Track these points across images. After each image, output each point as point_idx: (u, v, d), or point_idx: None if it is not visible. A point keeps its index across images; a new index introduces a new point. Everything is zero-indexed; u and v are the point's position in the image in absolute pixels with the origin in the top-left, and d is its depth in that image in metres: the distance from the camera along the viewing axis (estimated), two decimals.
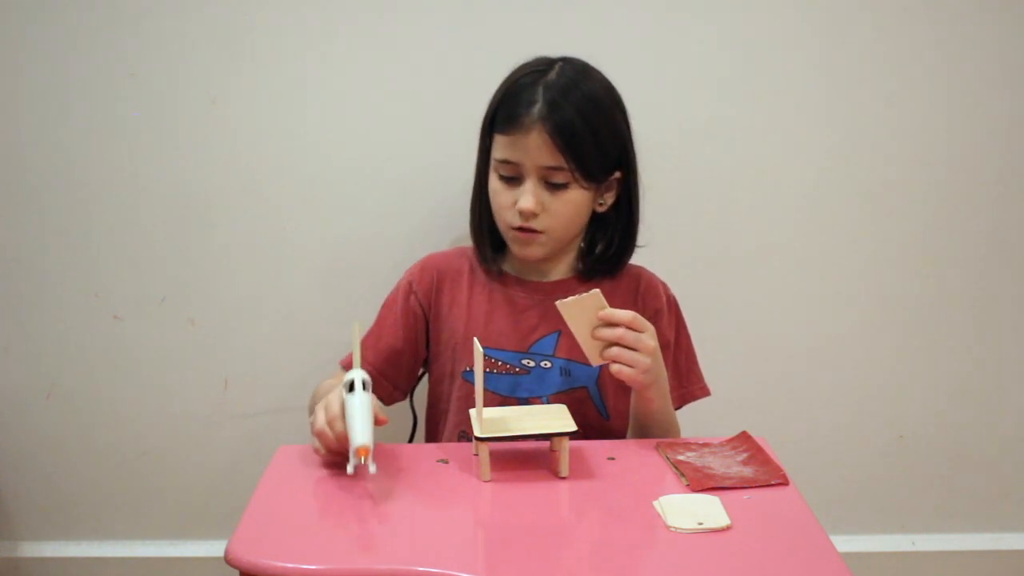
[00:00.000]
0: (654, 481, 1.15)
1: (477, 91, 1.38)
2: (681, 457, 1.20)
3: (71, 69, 1.57)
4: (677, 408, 1.39)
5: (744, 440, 1.24)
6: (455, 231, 1.59)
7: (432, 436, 1.45)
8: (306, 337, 1.66)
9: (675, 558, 1.01)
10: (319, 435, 1.15)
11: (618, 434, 1.38)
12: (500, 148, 1.32)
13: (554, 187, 1.30)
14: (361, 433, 1.07)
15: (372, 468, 1.07)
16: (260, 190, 1.62)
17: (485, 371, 1.34)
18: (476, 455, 1.17)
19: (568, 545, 1.03)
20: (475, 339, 1.16)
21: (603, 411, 1.38)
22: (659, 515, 1.06)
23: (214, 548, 1.71)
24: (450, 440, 1.39)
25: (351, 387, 1.12)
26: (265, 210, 1.63)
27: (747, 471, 1.17)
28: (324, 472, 1.15)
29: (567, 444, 1.15)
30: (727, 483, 1.13)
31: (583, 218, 1.36)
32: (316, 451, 1.17)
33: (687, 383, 1.42)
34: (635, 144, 1.36)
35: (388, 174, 1.62)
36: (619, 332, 1.19)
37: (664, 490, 1.11)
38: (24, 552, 1.76)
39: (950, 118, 1.62)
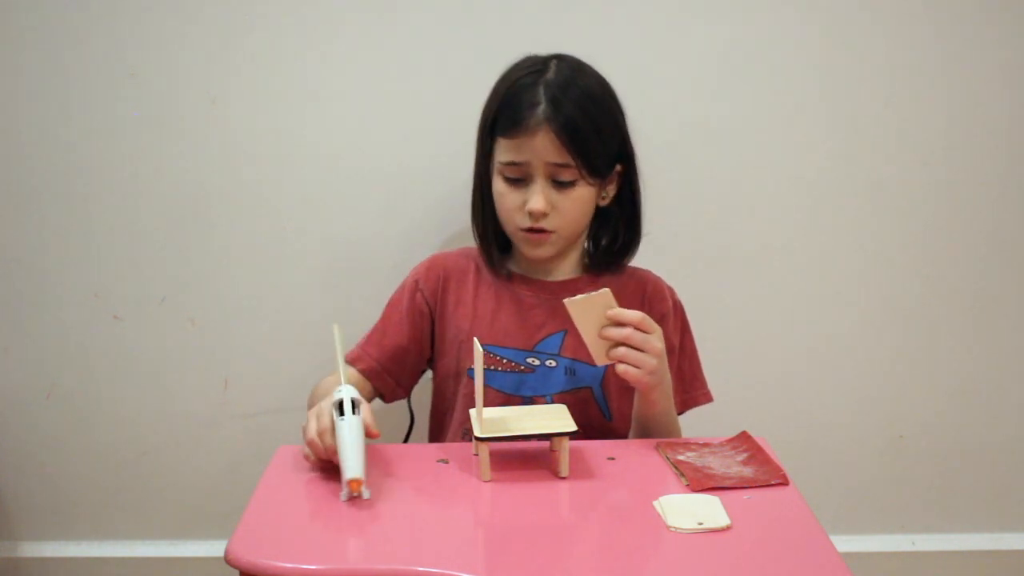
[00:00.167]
0: (654, 481, 1.15)
1: (477, 91, 1.38)
2: (681, 457, 1.20)
3: (71, 69, 1.57)
4: (680, 413, 1.39)
5: (744, 440, 1.24)
6: (455, 231, 1.60)
7: (436, 434, 1.45)
8: (306, 337, 1.66)
9: (675, 558, 1.01)
10: (310, 444, 1.15)
11: (620, 435, 1.38)
12: (505, 151, 1.32)
13: (561, 185, 1.30)
14: (353, 466, 1.07)
15: (366, 495, 1.08)
16: (260, 190, 1.62)
17: (490, 369, 1.35)
18: (476, 455, 1.17)
19: (568, 545, 1.03)
20: (475, 339, 1.16)
21: (606, 412, 1.38)
22: (659, 515, 1.06)
23: (214, 548, 1.71)
24: (454, 438, 1.39)
25: (341, 408, 1.12)
26: (265, 210, 1.63)
27: (747, 471, 1.17)
28: (324, 472, 1.15)
29: (567, 444, 1.15)
30: (727, 483, 1.13)
31: (589, 214, 1.37)
32: (306, 457, 1.17)
33: (690, 388, 1.42)
34: (632, 136, 1.37)
35: (388, 174, 1.62)
36: (627, 332, 1.19)
37: (664, 490, 1.11)
38: (24, 552, 1.76)
39: (950, 118, 1.62)
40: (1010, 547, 1.79)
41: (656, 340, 1.22)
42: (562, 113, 1.27)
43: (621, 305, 1.20)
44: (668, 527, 1.03)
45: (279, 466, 1.19)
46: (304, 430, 1.16)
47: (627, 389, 1.33)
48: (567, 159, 1.28)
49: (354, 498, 1.08)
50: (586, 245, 1.43)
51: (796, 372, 1.72)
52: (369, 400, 1.38)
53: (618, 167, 1.37)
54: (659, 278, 1.43)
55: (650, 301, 1.39)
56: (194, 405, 1.70)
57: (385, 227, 1.63)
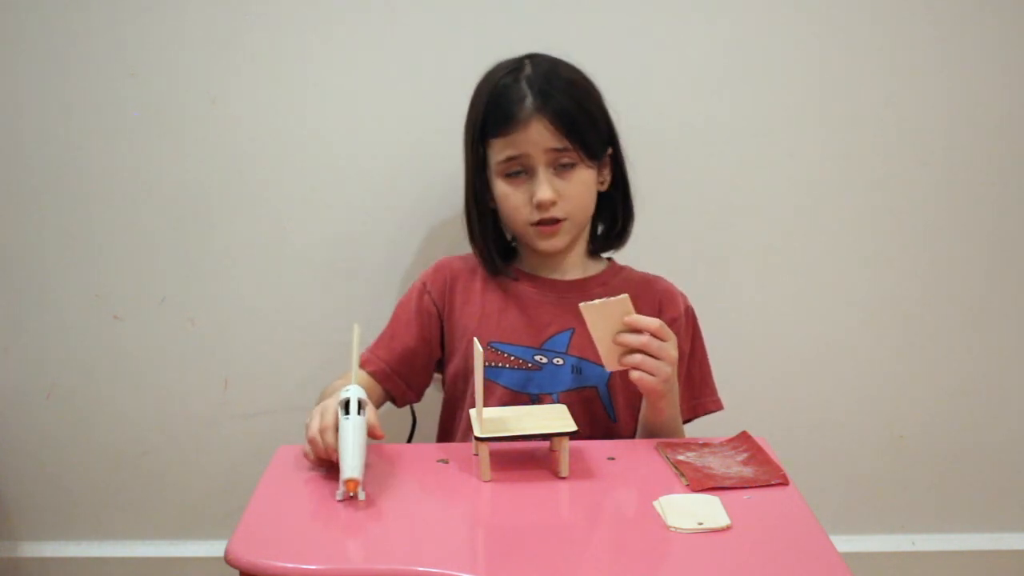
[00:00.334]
0: (654, 481, 1.15)
1: None
2: (681, 457, 1.20)
3: (71, 69, 1.57)
4: (688, 420, 1.39)
5: (744, 440, 1.24)
6: (457, 231, 1.59)
7: (446, 434, 1.45)
8: (306, 337, 1.66)
9: (675, 558, 1.01)
10: (310, 441, 1.15)
11: (624, 436, 1.37)
12: (501, 149, 1.32)
13: (563, 171, 1.32)
14: (351, 466, 1.07)
15: (361, 496, 1.08)
16: (260, 190, 1.62)
17: (498, 366, 1.36)
18: (476, 455, 1.17)
19: (568, 545, 1.03)
20: (475, 339, 1.17)
21: (611, 412, 1.38)
22: (659, 515, 1.06)
23: (214, 548, 1.71)
24: (464, 437, 1.40)
25: (347, 407, 1.12)
26: (265, 210, 1.63)
27: (747, 471, 1.17)
28: (324, 472, 1.15)
29: (567, 444, 1.15)
30: (727, 483, 1.13)
31: (593, 197, 1.38)
32: (305, 455, 1.17)
33: (700, 395, 1.42)
34: (614, 124, 1.39)
35: (388, 174, 1.62)
36: (644, 339, 1.19)
37: (664, 490, 1.11)
38: (24, 552, 1.76)
39: (950, 118, 1.62)
40: (1010, 547, 1.79)
41: (672, 348, 1.22)
42: (552, 101, 1.30)
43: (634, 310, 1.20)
44: (668, 527, 1.03)
45: (279, 466, 1.19)
46: (307, 426, 1.17)
47: (633, 392, 1.33)
48: (565, 143, 1.30)
49: (350, 498, 1.08)
50: (589, 245, 1.44)
51: (796, 372, 1.72)
52: (380, 404, 1.39)
53: (609, 150, 1.39)
54: (671, 284, 1.44)
55: (661, 305, 1.39)
56: (194, 405, 1.70)
57: (385, 227, 1.63)
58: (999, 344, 1.72)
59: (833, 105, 1.61)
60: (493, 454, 1.15)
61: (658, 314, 1.28)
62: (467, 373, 1.39)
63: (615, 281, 1.41)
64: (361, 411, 1.12)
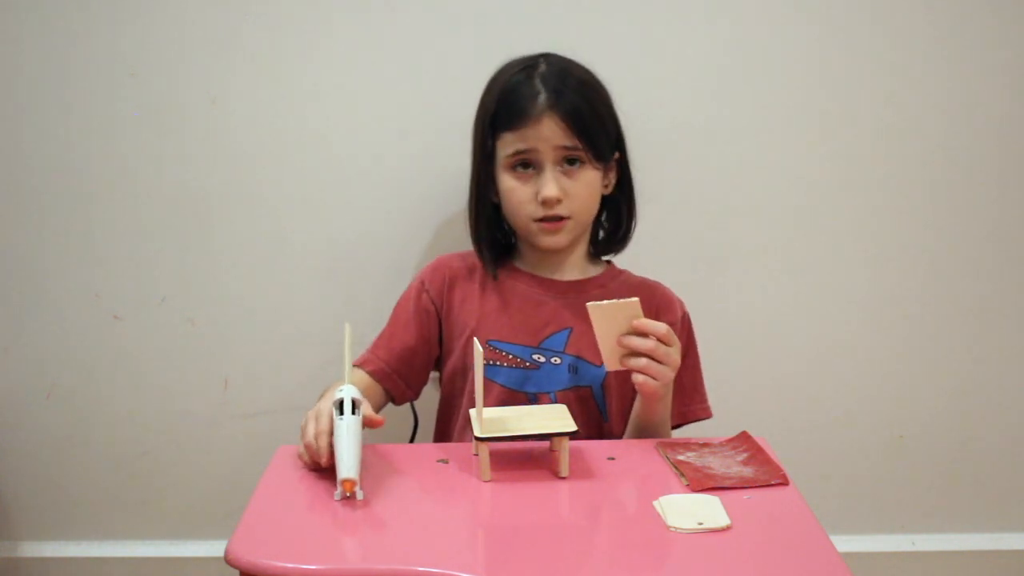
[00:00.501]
0: (654, 481, 1.15)
1: (478, 90, 1.39)
2: (681, 457, 1.20)
3: (71, 69, 1.57)
4: (677, 426, 1.40)
5: (744, 440, 1.24)
6: (456, 231, 1.59)
7: (443, 433, 1.45)
8: (306, 337, 1.66)
9: (675, 558, 1.01)
10: (306, 447, 1.15)
11: (614, 436, 1.38)
12: (510, 143, 1.33)
13: (571, 170, 1.33)
14: (347, 466, 1.07)
15: (359, 495, 1.08)
16: (260, 190, 1.62)
17: (495, 364, 1.36)
18: (476, 455, 1.17)
19: (568, 545, 1.03)
20: (475, 339, 1.17)
21: (604, 412, 1.38)
22: (659, 515, 1.06)
23: (214, 548, 1.71)
24: (462, 436, 1.40)
25: (341, 407, 1.12)
26: (265, 210, 1.63)
27: (747, 471, 1.17)
28: (324, 472, 1.15)
29: (567, 444, 1.15)
30: (727, 483, 1.13)
31: (598, 199, 1.39)
32: (300, 456, 1.18)
33: (690, 401, 1.42)
34: (623, 126, 1.40)
35: (388, 174, 1.62)
36: (651, 344, 1.20)
37: (664, 490, 1.11)
38: (24, 552, 1.76)
39: (950, 118, 1.62)
40: (1010, 547, 1.79)
41: (676, 353, 1.23)
42: (564, 99, 1.31)
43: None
44: (668, 527, 1.03)
45: (279, 466, 1.19)
46: (302, 430, 1.17)
47: (626, 393, 1.34)
48: (575, 142, 1.31)
49: (347, 498, 1.08)
50: (589, 248, 1.45)
51: (796, 372, 1.72)
52: (381, 403, 1.39)
53: (616, 154, 1.39)
54: (669, 289, 1.44)
55: (658, 310, 1.39)
56: (194, 405, 1.70)
57: (385, 227, 1.63)
58: (999, 344, 1.72)
59: (833, 105, 1.61)
60: (493, 454, 1.15)
61: (655, 319, 1.28)
62: (464, 371, 1.39)
63: (613, 284, 1.41)
64: (356, 410, 1.12)
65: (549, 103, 1.30)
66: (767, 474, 1.15)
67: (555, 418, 1.18)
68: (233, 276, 1.65)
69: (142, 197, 1.62)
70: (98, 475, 1.73)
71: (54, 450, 1.72)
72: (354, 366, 1.42)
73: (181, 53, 1.57)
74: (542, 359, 1.37)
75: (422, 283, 1.43)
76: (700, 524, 1.04)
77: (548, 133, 1.31)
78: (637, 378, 1.21)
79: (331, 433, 1.12)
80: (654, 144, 1.45)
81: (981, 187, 1.65)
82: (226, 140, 1.60)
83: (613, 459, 1.21)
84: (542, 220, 1.34)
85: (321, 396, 1.36)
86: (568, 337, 1.37)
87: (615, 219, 1.44)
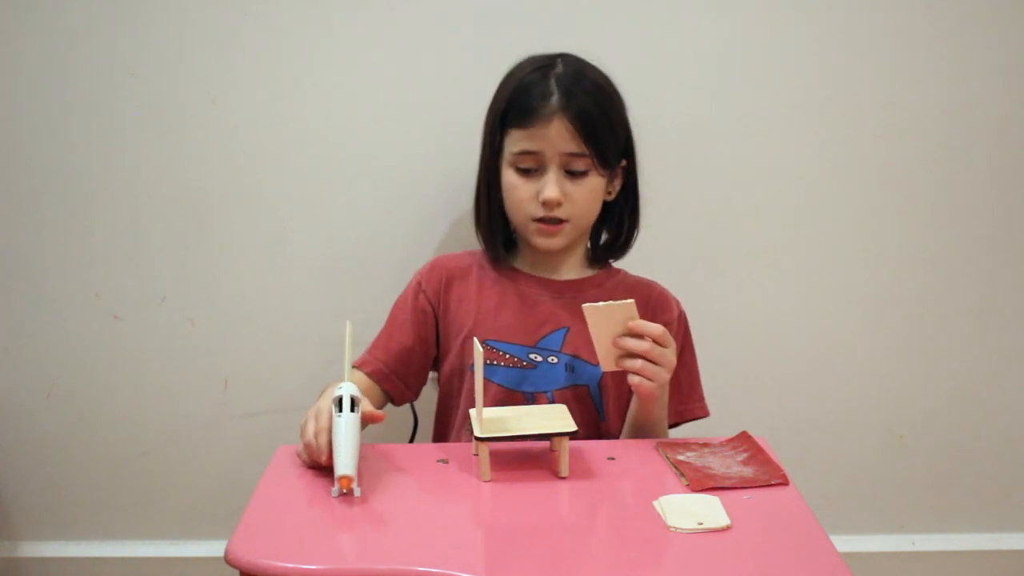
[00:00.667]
0: (654, 481, 1.15)
1: (478, 90, 1.39)
2: (681, 457, 1.20)
3: (71, 69, 1.57)
4: (674, 425, 1.40)
5: (744, 440, 1.24)
6: (456, 230, 1.60)
7: (441, 433, 1.46)
8: (306, 337, 1.66)
9: (675, 558, 1.01)
10: (306, 446, 1.16)
11: (611, 436, 1.38)
12: (518, 141, 1.33)
13: (574, 175, 1.33)
14: (345, 463, 1.07)
15: (357, 492, 1.08)
16: (260, 190, 1.62)
17: (493, 364, 1.36)
18: (476, 455, 1.17)
19: (568, 545, 1.03)
20: (475, 339, 1.17)
21: (601, 411, 1.38)
22: (659, 515, 1.06)
23: (214, 548, 1.71)
24: (459, 435, 1.40)
25: (340, 404, 1.12)
26: (265, 210, 1.63)
27: (747, 471, 1.17)
28: (324, 472, 1.15)
29: (567, 444, 1.15)
30: (727, 483, 1.13)
31: (599, 205, 1.38)
32: (298, 455, 1.18)
33: (687, 400, 1.42)
34: (633, 133, 1.40)
35: (388, 174, 1.62)
36: (647, 346, 1.20)
37: (664, 490, 1.11)
38: (24, 552, 1.76)
39: (949, 118, 1.62)
40: (1010, 547, 1.79)
41: (671, 355, 1.23)
42: (576, 103, 1.30)
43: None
44: (668, 527, 1.03)
45: (279, 466, 1.19)
46: (302, 429, 1.17)
47: (623, 392, 1.34)
48: (581, 148, 1.31)
49: (345, 495, 1.08)
50: (588, 246, 1.45)
51: (796, 372, 1.72)
52: (380, 404, 1.39)
53: (623, 162, 1.39)
54: (665, 289, 1.44)
55: (654, 310, 1.39)
56: (194, 405, 1.70)
57: (385, 226, 1.63)
58: (999, 344, 1.72)
59: (833, 105, 1.61)
60: (493, 454, 1.15)
61: (651, 318, 1.29)
62: (462, 371, 1.39)
63: (610, 284, 1.41)
64: (354, 407, 1.12)
65: (560, 104, 1.30)
66: (767, 474, 1.15)
67: (555, 418, 1.18)
68: (233, 276, 1.65)
69: (142, 197, 1.62)
70: (98, 475, 1.73)
71: (54, 450, 1.72)
72: (353, 367, 1.42)
73: (181, 53, 1.57)
74: (539, 358, 1.37)
75: (419, 284, 1.43)
76: (700, 524, 1.04)
77: (556, 136, 1.30)
78: (633, 379, 1.22)
79: (330, 431, 1.12)
80: (654, 144, 1.44)
81: (981, 187, 1.65)
82: (226, 140, 1.60)
83: (613, 459, 1.21)
84: (541, 220, 1.34)
85: (321, 394, 1.36)
86: (565, 336, 1.37)
87: (617, 226, 1.43)
